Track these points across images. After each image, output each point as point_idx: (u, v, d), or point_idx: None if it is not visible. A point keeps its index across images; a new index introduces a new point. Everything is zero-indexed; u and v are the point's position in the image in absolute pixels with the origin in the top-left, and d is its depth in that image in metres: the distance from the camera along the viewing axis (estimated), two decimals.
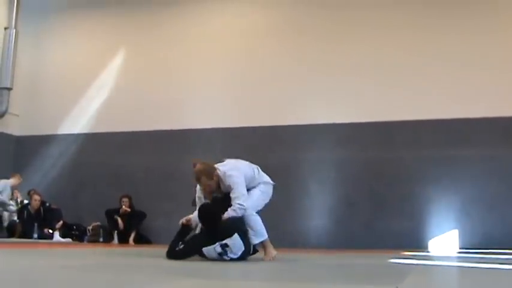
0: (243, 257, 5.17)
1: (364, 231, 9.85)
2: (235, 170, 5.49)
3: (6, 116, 11.96)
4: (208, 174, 5.44)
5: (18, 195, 11.26)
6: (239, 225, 5.24)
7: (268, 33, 11.36)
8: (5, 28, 11.95)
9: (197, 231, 5.58)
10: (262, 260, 5.49)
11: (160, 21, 12.05)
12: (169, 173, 10.98)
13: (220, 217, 5.19)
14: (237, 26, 11.64)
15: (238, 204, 5.26)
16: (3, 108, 11.81)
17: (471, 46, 10.12)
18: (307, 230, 10.13)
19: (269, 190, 5.80)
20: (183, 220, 5.55)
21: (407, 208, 9.80)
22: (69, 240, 10.54)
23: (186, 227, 5.54)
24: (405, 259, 6.21)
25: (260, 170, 5.82)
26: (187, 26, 11.87)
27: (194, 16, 11.90)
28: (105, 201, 10.88)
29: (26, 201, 11.06)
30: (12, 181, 10.91)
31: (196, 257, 5.20)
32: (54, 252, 6.68)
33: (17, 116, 12.22)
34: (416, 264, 5.43)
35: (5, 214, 10.92)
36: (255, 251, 5.53)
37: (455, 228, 9.55)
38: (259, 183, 5.66)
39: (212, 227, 5.16)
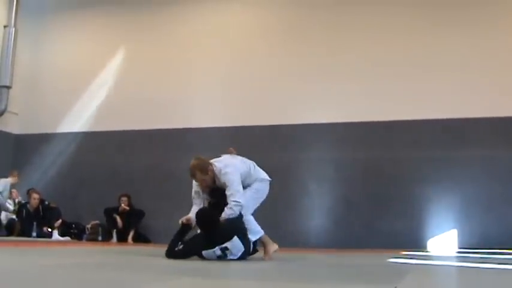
0: (242, 257, 5.17)
1: (363, 231, 9.85)
2: (230, 167, 5.49)
3: (5, 115, 11.94)
4: (203, 169, 5.44)
5: (17, 195, 11.25)
6: (238, 227, 5.23)
7: (268, 33, 11.35)
8: (5, 26, 11.93)
9: (198, 230, 5.56)
10: (262, 259, 5.49)
11: (160, 21, 12.05)
12: (169, 172, 10.97)
13: (219, 220, 5.16)
14: (236, 26, 11.63)
15: (234, 201, 5.26)
16: (2, 107, 11.80)
17: (471, 47, 10.11)
18: (306, 230, 10.13)
19: (265, 187, 5.79)
20: (183, 219, 5.54)
21: (407, 208, 9.79)
22: (68, 238, 10.54)
23: (186, 226, 5.53)
24: (404, 259, 6.21)
25: (256, 165, 5.83)
26: (187, 25, 11.87)
27: (194, 15, 11.89)
28: (104, 199, 10.87)
29: (23, 201, 11.04)
30: (11, 179, 10.91)
31: (196, 256, 5.19)
32: (53, 251, 6.68)
33: (16, 114, 12.20)
34: (415, 264, 5.43)
35: (3, 214, 10.90)
36: (255, 250, 5.52)
37: (454, 228, 9.55)
38: (255, 180, 5.66)
39: (211, 232, 5.13)
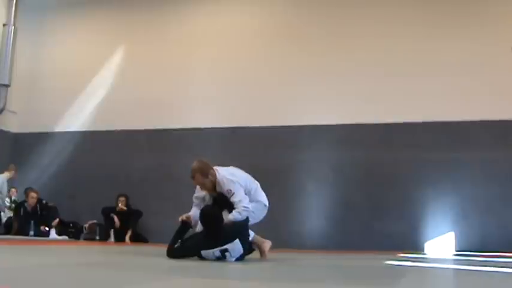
0: (240, 259, 5.16)
1: (361, 233, 9.86)
2: (237, 176, 5.48)
3: (4, 113, 11.94)
4: (203, 172, 5.42)
5: (15, 193, 11.23)
6: (242, 231, 5.22)
7: (267, 34, 11.36)
8: (4, 25, 11.94)
9: (197, 229, 5.55)
10: (259, 259, 5.48)
11: (159, 20, 12.05)
12: (167, 172, 10.97)
13: (222, 218, 5.13)
14: (236, 27, 11.63)
15: (243, 206, 5.23)
16: (1, 105, 11.80)
17: (471, 50, 10.12)
18: (304, 231, 10.13)
19: (261, 211, 5.69)
20: (183, 217, 5.53)
21: (405, 210, 9.81)
22: (65, 237, 10.53)
23: (185, 225, 5.52)
24: (401, 261, 6.21)
25: (259, 187, 5.76)
26: (187, 25, 11.88)
27: (194, 15, 11.91)
28: (102, 199, 10.86)
29: (20, 200, 11.03)
30: (7, 174, 10.88)
31: (195, 256, 5.19)
32: (50, 250, 6.67)
33: (15, 113, 12.19)
34: (412, 266, 5.44)
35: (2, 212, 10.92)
36: (251, 250, 5.52)
37: (452, 230, 9.56)
38: (252, 201, 5.52)
39: (214, 231, 5.10)
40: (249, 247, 5.43)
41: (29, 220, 10.50)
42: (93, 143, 11.77)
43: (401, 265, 5.53)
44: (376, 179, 10.10)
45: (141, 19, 12.16)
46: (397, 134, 10.19)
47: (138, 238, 10.61)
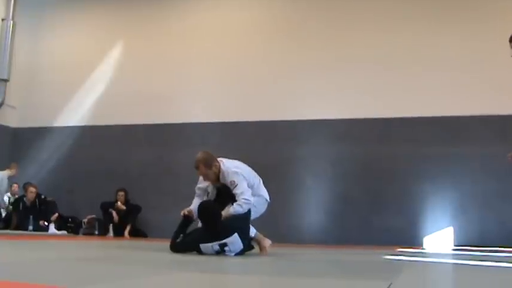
0: (239, 254, 5.16)
1: (360, 227, 9.88)
2: (241, 168, 5.49)
3: (3, 108, 11.94)
4: (207, 163, 5.41)
5: (17, 189, 11.23)
6: (241, 225, 5.20)
7: (266, 28, 11.35)
8: (2, 19, 11.91)
9: (199, 223, 5.56)
10: (258, 255, 5.48)
11: (158, 15, 12.04)
12: (166, 167, 10.99)
13: (220, 214, 5.12)
14: (235, 21, 11.63)
15: (244, 199, 5.23)
16: (0, 100, 11.79)
17: (470, 45, 10.12)
18: (303, 226, 10.15)
19: (262, 206, 5.70)
20: (185, 211, 5.53)
21: (403, 205, 9.83)
22: (64, 232, 10.53)
23: (188, 218, 5.52)
24: (400, 255, 6.23)
25: (261, 182, 5.77)
26: (186, 20, 11.86)
27: (193, 10, 11.89)
28: (101, 194, 10.87)
29: (19, 195, 11.04)
30: (8, 172, 10.88)
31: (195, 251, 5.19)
32: (49, 245, 6.68)
33: (14, 107, 12.19)
34: (411, 261, 5.45)
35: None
36: (251, 247, 5.52)
37: (450, 225, 9.58)
38: (254, 195, 5.52)
39: (212, 226, 5.09)
40: (248, 243, 5.42)
41: (28, 215, 10.51)
42: (92, 137, 11.77)
43: (400, 260, 5.54)
44: (375, 173, 10.12)
45: (140, 13, 12.15)
46: (396, 128, 10.20)
47: (137, 233, 10.62)
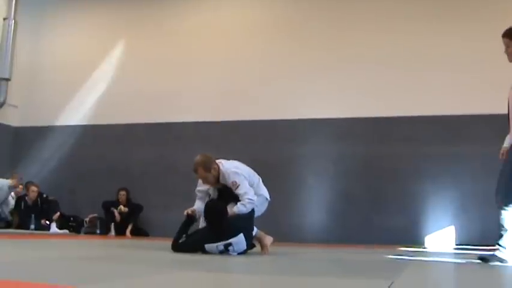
0: (242, 253, 5.17)
1: (361, 226, 9.87)
2: (241, 169, 5.50)
3: (5, 107, 11.94)
4: (206, 166, 5.42)
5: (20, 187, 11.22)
6: (246, 225, 5.21)
7: (267, 27, 11.35)
8: (4, 19, 11.90)
9: (201, 222, 5.55)
10: (260, 254, 5.49)
11: (160, 14, 12.03)
12: (167, 166, 10.99)
13: (226, 213, 5.12)
14: (237, 21, 11.62)
15: (248, 199, 5.24)
16: (2, 99, 11.79)
17: (471, 44, 10.11)
18: (304, 224, 10.16)
19: (262, 205, 5.71)
20: (188, 211, 5.53)
21: (405, 204, 9.83)
22: (66, 231, 10.53)
23: (190, 218, 5.53)
24: (402, 255, 6.23)
25: (261, 181, 5.78)
26: (186, 19, 11.86)
27: (194, 10, 11.89)
28: (103, 193, 10.88)
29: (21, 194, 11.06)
30: (9, 181, 10.81)
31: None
32: (52, 244, 6.69)
33: (16, 107, 12.19)
34: (413, 260, 5.45)
35: (4, 206, 10.93)
36: (252, 245, 5.53)
37: (452, 224, 9.58)
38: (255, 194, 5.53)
39: (218, 226, 5.08)
40: (251, 242, 5.43)
41: (29, 214, 10.51)
42: (93, 136, 11.77)
43: (401, 259, 5.55)
44: (376, 173, 10.12)
45: (142, 13, 12.15)
46: (397, 128, 10.19)
47: (139, 232, 10.63)
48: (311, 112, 10.56)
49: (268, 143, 10.66)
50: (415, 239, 9.44)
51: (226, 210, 5.14)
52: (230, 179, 5.36)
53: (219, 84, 11.25)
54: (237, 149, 9.89)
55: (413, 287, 3.17)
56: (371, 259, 5.57)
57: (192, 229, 5.58)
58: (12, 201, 10.97)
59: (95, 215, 10.99)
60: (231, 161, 5.66)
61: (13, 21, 11.88)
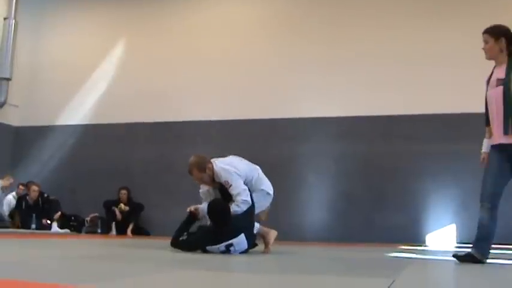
0: (243, 252, 5.16)
1: (362, 225, 9.87)
2: (231, 166, 5.41)
3: (5, 107, 11.95)
4: (200, 167, 5.40)
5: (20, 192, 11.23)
6: (247, 225, 5.20)
7: (268, 25, 11.34)
8: (5, 18, 11.91)
9: (203, 221, 5.54)
10: (262, 252, 5.47)
11: (160, 13, 12.03)
12: (168, 165, 10.98)
13: (230, 212, 5.08)
14: (236, 19, 11.62)
15: (242, 199, 5.21)
16: (2, 99, 11.80)
17: (472, 42, 10.05)
18: (305, 223, 10.15)
19: (263, 201, 5.64)
20: (191, 208, 5.51)
21: (406, 202, 9.82)
22: (67, 231, 10.55)
23: (193, 216, 5.52)
24: (403, 253, 6.23)
25: (261, 173, 5.71)
26: (187, 18, 11.85)
27: (194, 8, 11.88)
28: (104, 192, 10.87)
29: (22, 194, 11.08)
30: (1, 182, 10.81)
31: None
32: (53, 243, 6.69)
33: (16, 106, 12.20)
34: (414, 258, 5.45)
35: (5, 205, 10.94)
36: (254, 244, 5.52)
37: (453, 222, 9.57)
38: (254, 191, 5.48)
39: (222, 226, 5.05)
40: (253, 241, 5.38)
41: (30, 213, 10.53)
42: (94, 136, 11.77)
43: (402, 257, 5.55)
44: (376, 171, 10.11)
45: (142, 12, 12.14)
46: (398, 126, 10.19)
47: (140, 231, 10.64)
48: (312, 110, 10.54)
49: (269, 141, 10.65)
50: (416, 237, 9.43)
51: (229, 208, 5.13)
52: (222, 178, 5.32)
53: (219, 83, 11.25)
54: (237, 148, 9.80)
55: (414, 285, 3.17)
56: (372, 257, 5.57)
57: (192, 228, 5.58)
58: (13, 201, 10.98)
59: (96, 214, 11.00)
60: (227, 157, 5.64)
61: (13, 20, 11.89)
